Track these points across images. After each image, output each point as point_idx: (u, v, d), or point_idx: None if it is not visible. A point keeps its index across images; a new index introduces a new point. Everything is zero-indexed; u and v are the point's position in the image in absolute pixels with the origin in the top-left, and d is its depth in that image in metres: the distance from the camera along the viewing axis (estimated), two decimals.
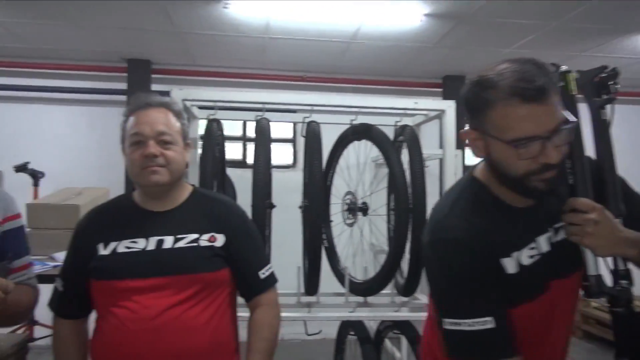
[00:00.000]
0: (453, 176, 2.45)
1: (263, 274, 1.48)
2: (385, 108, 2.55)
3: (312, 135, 2.34)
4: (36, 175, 3.94)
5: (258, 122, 2.35)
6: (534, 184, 1.02)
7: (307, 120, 2.51)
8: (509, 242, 1.08)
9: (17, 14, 3.56)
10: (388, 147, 2.34)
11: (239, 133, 4.96)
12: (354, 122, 2.60)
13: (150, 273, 1.32)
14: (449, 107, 2.45)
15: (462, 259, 1.05)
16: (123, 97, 4.57)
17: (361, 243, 2.85)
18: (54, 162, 4.39)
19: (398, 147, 2.58)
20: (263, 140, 2.29)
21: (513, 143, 0.98)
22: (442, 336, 1.07)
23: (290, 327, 2.79)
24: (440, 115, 2.52)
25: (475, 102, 1.03)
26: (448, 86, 4.93)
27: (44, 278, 1.78)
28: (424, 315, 2.63)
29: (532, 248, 1.10)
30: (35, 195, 3.87)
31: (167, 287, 1.32)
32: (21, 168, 3.89)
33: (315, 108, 2.54)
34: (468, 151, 3.59)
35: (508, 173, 1.03)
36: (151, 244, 1.36)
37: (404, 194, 2.25)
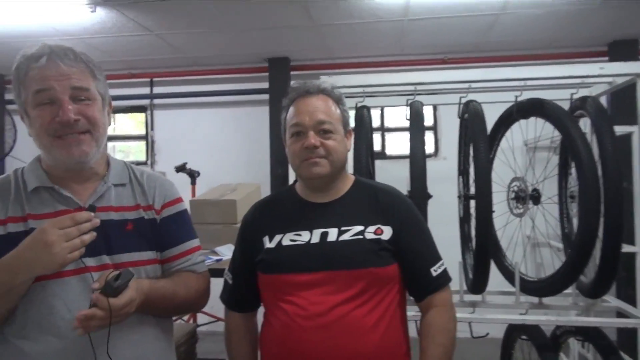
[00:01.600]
0: None
1: (435, 270, 1.31)
2: (561, 78, 2.15)
3: (474, 115, 2.06)
4: (193, 175, 4.18)
5: (412, 105, 2.13)
6: None
7: (464, 100, 2.23)
8: None
9: (172, 26, 3.78)
10: (568, 124, 1.96)
11: (376, 123, 4.79)
12: (519, 99, 2.25)
13: (316, 267, 1.24)
14: None
15: None
16: (265, 96, 4.68)
17: (533, 236, 2.47)
18: (206, 162, 4.63)
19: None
20: (418, 124, 2.07)
21: None
22: None
23: None
24: (634, 80, 2.05)
25: None
26: (616, 53, 4.18)
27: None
28: (614, 321, 2.21)
29: None
30: (193, 193, 4.10)
31: (333, 282, 1.22)
32: (180, 168, 4.15)
33: (473, 86, 2.24)
34: None
35: None
36: (315, 236, 1.28)
37: (593, 179, 1.86)
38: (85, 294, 1.07)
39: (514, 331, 2.55)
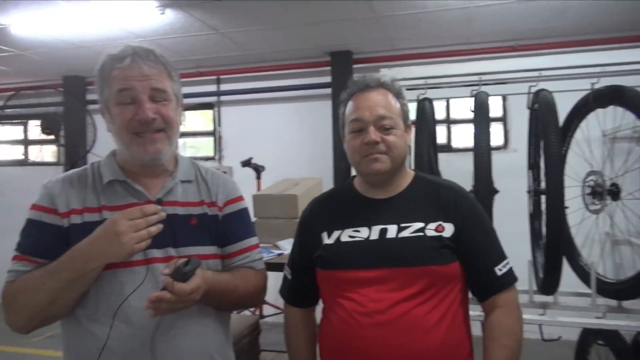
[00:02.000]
0: None
1: (500, 270, 1.25)
2: None
3: (545, 106, 1.93)
4: (258, 169, 4.28)
5: (477, 96, 2.04)
6: None
7: (534, 89, 2.10)
8: None
9: (237, 24, 3.87)
10: None
11: (441, 115, 4.65)
12: (596, 86, 2.09)
13: (375, 264, 1.22)
14: None
15: None
16: (328, 90, 4.68)
17: (612, 233, 2.30)
18: (271, 156, 4.72)
19: None
20: (483, 116, 1.98)
21: None
22: None
23: None
24: None
25: None
26: None
27: (270, 266, 1.80)
28: None
29: None
30: (258, 187, 4.19)
31: (392, 280, 1.20)
32: (246, 163, 4.26)
33: (544, 74, 2.11)
34: None
35: None
36: (374, 233, 1.26)
37: None
38: (152, 283, 1.12)
39: (589, 335, 2.38)
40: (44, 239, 1.14)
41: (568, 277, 2.28)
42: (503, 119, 4.49)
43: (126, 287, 1.12)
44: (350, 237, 1.28)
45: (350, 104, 1.31)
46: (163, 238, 1.13)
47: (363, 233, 1.27)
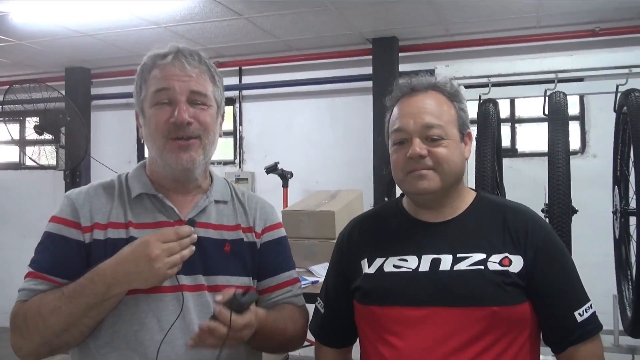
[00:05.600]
0: None
1: (581, 315, 1.22)
2: None
3: (636, 110, 1.89)
4: (285, 176, 4.30)
5: (551, 97, 2.03)
6: None
7: (622, 88, 2.07)
8: None
9: (264, 8, 3.92)
10: None
11: (505, 112, 4.60)
12: None
13: (424, 301, 1.20)
14: None
15: None
16: (368, 84, 4.68)
17: None
18: (300, 161, 4.75)
19: None
20: (560, 121, 1.96)
21: None
22: None
23: None
24: None
25: None
26: None
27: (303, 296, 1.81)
28: None
29: None
30: (285, 197, 4.22)
31: (445, 322, 1.18)
32: (271, 169, 4.29)
33: (634, 71, 2.07)
34: None
35: None
36: (424, 263, 1.25)
37: None
38: (177, 312, 1.16)
39: None
40: (62, 256, 1.19)
41: None
42: (580, 117, 4.40)
43: (150, 316, 1.16)
44: (395, 266, 1.27)
45: (394, 111, 1.31)
46: (192, 264, 1.17)
47: (411, 263, 1.26)
